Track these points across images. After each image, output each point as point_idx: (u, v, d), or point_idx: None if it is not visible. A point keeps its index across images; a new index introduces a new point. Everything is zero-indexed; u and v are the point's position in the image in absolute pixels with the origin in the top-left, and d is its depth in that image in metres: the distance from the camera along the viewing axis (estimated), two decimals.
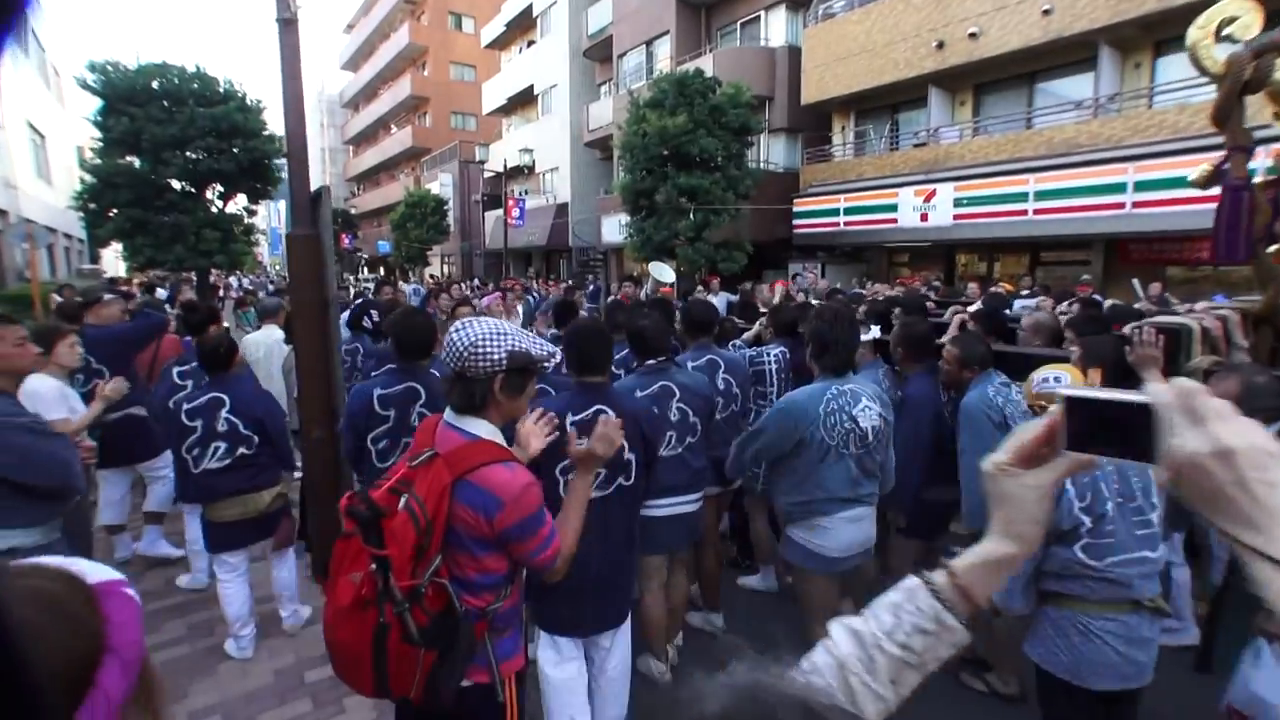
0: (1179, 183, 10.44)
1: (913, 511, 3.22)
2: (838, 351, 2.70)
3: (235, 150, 16.96)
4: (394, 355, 3.01)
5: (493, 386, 1.59)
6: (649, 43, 20.35)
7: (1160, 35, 11.64)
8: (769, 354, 4.02)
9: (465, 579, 1.56)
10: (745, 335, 4.83)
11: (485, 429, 1.63)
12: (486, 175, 27.08)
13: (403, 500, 1.51)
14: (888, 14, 14.70)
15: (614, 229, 21.55)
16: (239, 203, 18.67)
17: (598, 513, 2.15)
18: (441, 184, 31.00)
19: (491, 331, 1.59)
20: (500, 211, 26.98)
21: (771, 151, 18.04)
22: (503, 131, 29.96)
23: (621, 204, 18.01)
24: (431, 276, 16.15)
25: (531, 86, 26.52)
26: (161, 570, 4.35)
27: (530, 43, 27.50)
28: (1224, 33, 3.12)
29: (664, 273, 14.01)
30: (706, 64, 16.75)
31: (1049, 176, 12.03)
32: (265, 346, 5.29)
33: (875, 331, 3.87)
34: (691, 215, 15.27)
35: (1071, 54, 12.61)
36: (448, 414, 1.65)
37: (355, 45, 43.73)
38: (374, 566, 1.47)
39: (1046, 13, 12.06)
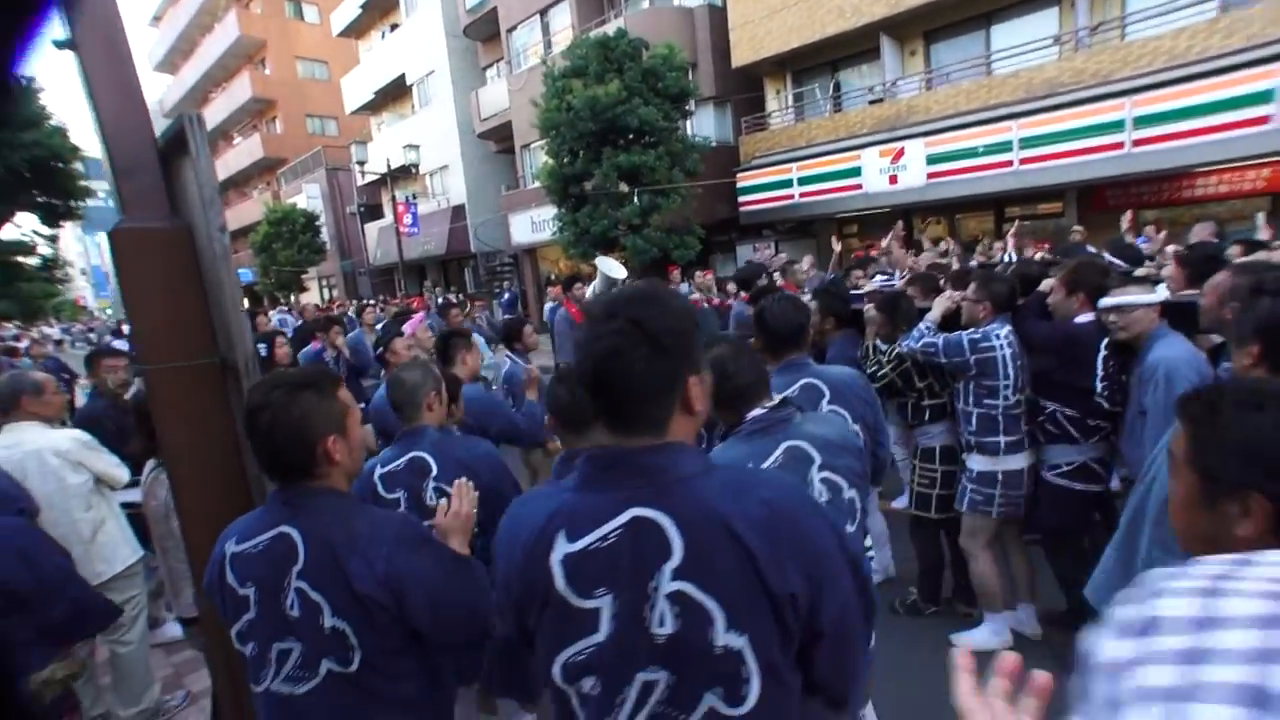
0: (1184, 113, 9.65)
1: None
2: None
3: None
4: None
5: None
6: (543, 12, 17.97)
7: None
8: None
9: None
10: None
11: None
12: (363, 182, 23.56)
13: None
14: None
15: (525, 227, 19.09)
16: (21, 226, 13.82)
17: None
18: (308, 197, 26.94)
19: None
20: (384, 222, 23.67)
21: (700, 124, 16.25)
22: (373, 131, 26.39)
23: (542, 196, 15.66)
24: (318, 306, 13.09)
25: (403, 76, 23.29)
26: None
27: (394, 26, 24.19)
28: None
29: (614, 268, 11.64)
30: (616, 30, 14.64)
31: (1034, 121, 11.01)
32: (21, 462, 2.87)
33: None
34: (635, 198, 13.19)
35: None
36: None
37: (169, 42, 37.41)
38: None
39: None
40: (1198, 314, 2.42)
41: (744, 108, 16.33)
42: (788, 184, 14.44)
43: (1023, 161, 11.21)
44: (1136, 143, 10.08)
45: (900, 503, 4.65)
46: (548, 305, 10.82)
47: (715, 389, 1.47)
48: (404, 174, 21.03)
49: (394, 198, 17.65)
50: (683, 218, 13.96)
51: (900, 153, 12.62)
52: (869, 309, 3.59)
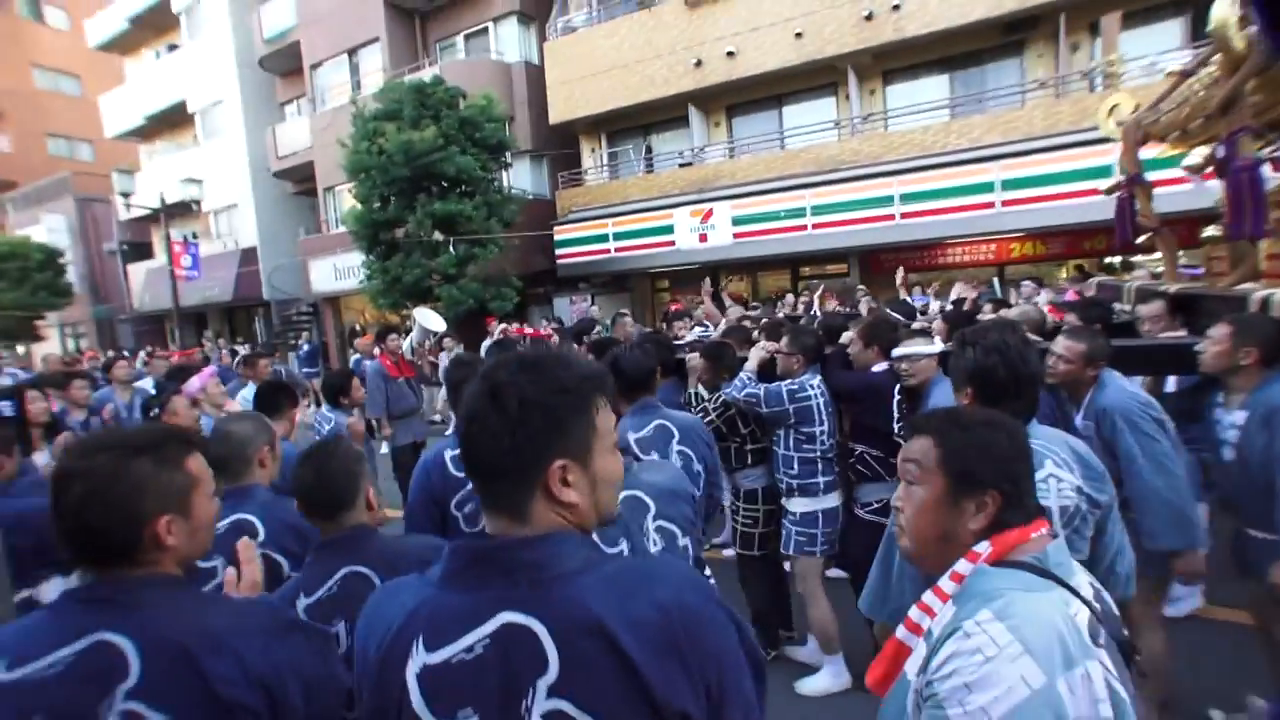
0: (938, 194, 11.35)
1: None
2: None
3: None
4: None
5: None
6: (351, 52, 17.08)
7: (887, 66, 12.77)
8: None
9: None
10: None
11: None
12: (127, 217, 20.42)
13: None
14: (639, 30, 14.06)
15: (327, 274, 17.67)
16: None
17: None
18: (49, 229, 22.78)
19: None
20: (154, 263, 20.66)
21: (517, 177, 16.22)
22: (141, 160, 23.13)
23: (348, 241, 14.58)
24: (63, 358, 10.65)
25: (183, 103, 20.80)
26: None
27: (171, 46, 21.64)
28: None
29: (431, 319, 10.81)
30: (432, 77, 14.31)
31: (822, 192, 12.33)
32: None
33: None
34: (452, 248, 12.70)
35: (816, 79, 13.25)
36: None
37: None
38: None
39: (798, 35, 12.42)
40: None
41: (560, 163, 16.60)
42: (604, 239, 14.79)
43: (815, 226, 12.47)
44: (904, 215, 11.66)
45: (730, 552, 4.70)
46: (354, 357, 9.89)
47: None
48: (182, 210, 18.51)
49: (169, 236, 15.39)
50: (500, 269, 13.69)
51: (709, 213, 13.48)
52: (692, 358, 3.73)
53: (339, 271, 17.16)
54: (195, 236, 18.66)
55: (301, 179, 19.21)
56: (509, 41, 16.12)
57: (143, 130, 22.92)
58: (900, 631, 1.16)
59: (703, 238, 13.70)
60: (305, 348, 15.11)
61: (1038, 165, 10.45)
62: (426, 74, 13.64)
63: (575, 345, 5.85)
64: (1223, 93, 2.95)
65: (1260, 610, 2.65)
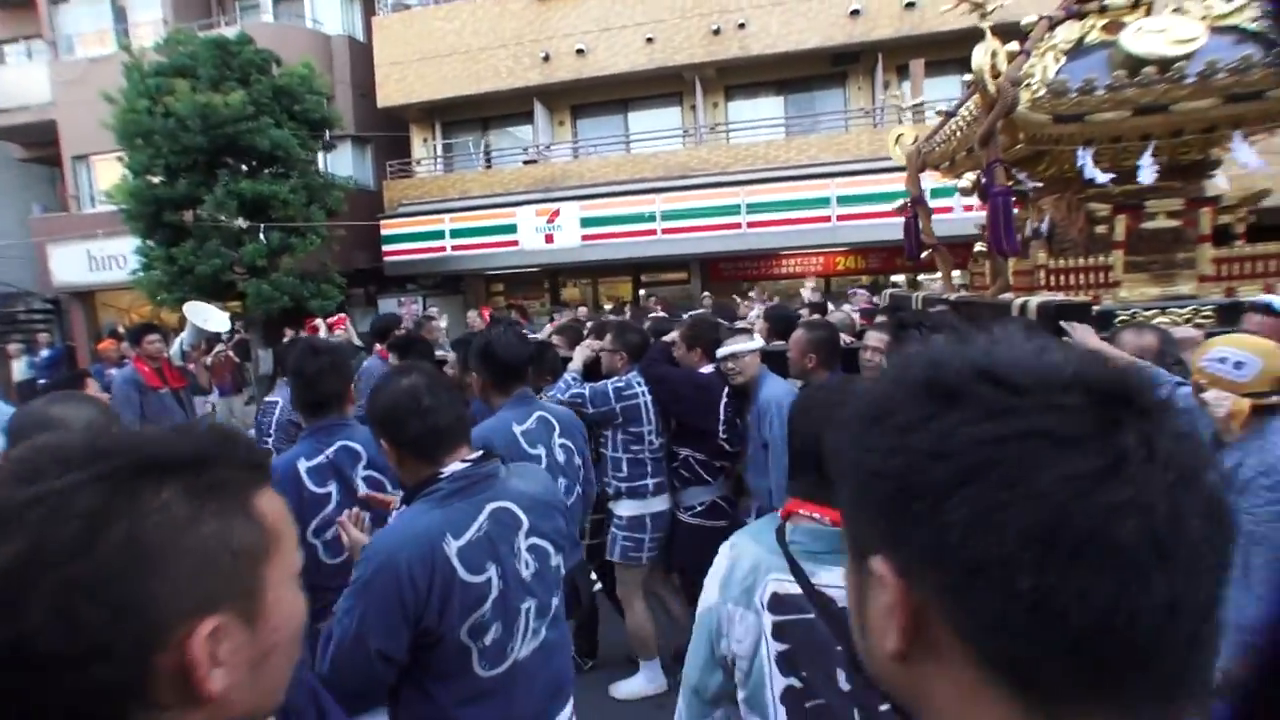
0: (781, 205, 12.02)
1: None
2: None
3: None
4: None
5: None
6: None
7: (729, 81, 13.34)
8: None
9: None
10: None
11: None
12: None
13: None
14: (483, 16, 13.21)
15: (77, 263, 14.45)
16: None
17: None
18: None
19: None
20: None
21: (337, 163, 14.41)
22: None
23: (112, 223, 11.97)
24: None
25: None
26: None
27: None
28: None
29: (211, 317, 8.20)
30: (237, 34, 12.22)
31: (672, 197, 12.48)
32: None
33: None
34: (262, 235, 10.84)
35: (663, 86, 13.43)
36: None
37: None
38: None
39: (650, 40, 12.49)
40: (787, 362, 3.22)
41: (387, 151, 15.10)
42: (439, 235, 13.67)
43: (664, 231, 12.57)
44: (749, 224, 12.17)
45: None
46: (92, 366, 7.82)
47: (402, 430, 1.45)
48: None
49: None
50: (319, 263, 12.03)
51: (556, 213, 13.02)
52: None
53: (95, 261, 14.00)
54: None
55: (34, 142, 15.41)
56: (328, 10, 14.35)
57: None
58: None
59: (549, 238, 13.19)
60: (46, 352, 12.02)
61: (866, 185, 11.48)
62: (229, 33, 11.57)
63: (377, 345, 5.30)
64: (981, 128, 3.40)
65: None
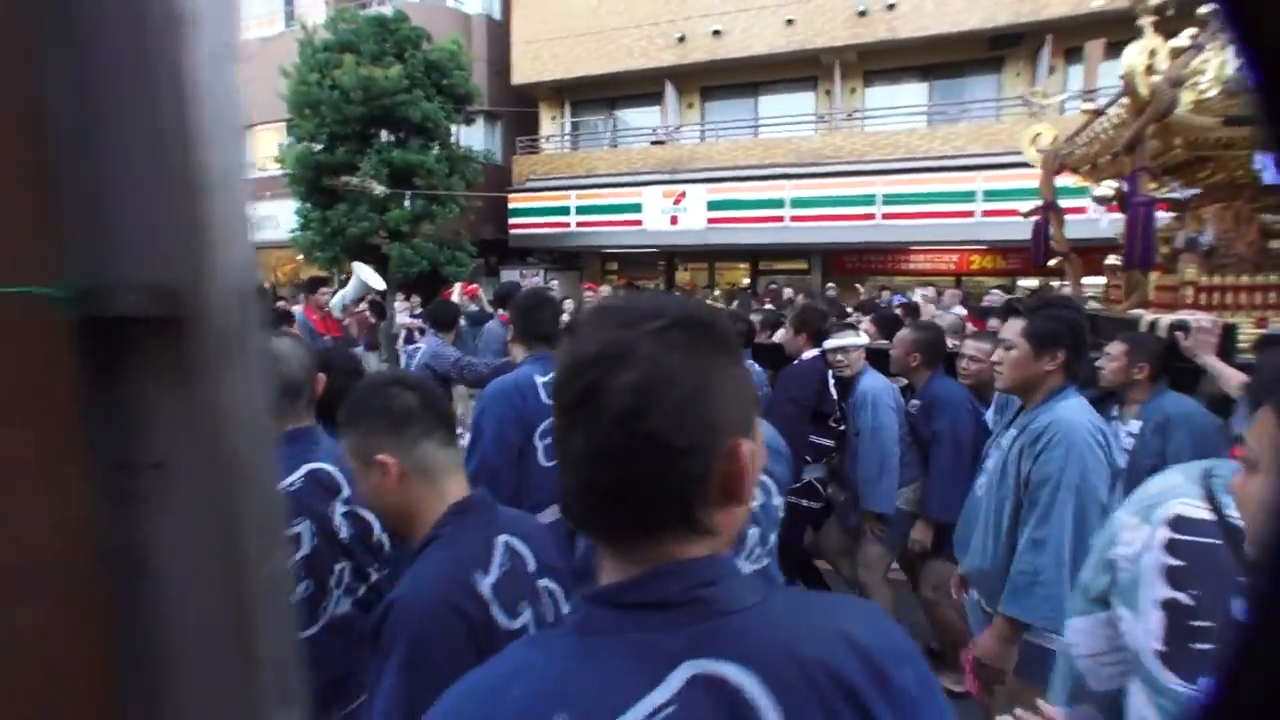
0: (920, 198, 11.50)
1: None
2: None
3: None
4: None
5: None
6: None
7: (870, 65, 12.86)
8: None
9: None
10: None
11: None
12: None
13: None
14: None
15: None
16: None
17: None
18: None
19: None
20: None
21: (470, 137, 14.95)
22: None
23: (271, 187, 12.83)
24: None
25: None
26: None
27: None
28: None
29: (373, 277, 9.01)
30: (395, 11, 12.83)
31: (801, 184, 12.19)
32: None
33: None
34: (408, 202, 11.39)
35: (798, 70, 13.11)
36: None
37: None
38: None
39: (790, 22, 12.20)
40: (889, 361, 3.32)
41: (516, 127, 15.52)
42: (565, 211, 13.93)
43: (792, 219, 12.30)
44: (885, 216, 11.72)
45: None
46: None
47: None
48: None
49: None
50: (455, 231, 12.52)
51: (682, 195, 13.00)
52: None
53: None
54: None
55: None
56: None
57: None
58: None
59: (673, 220, 13.19)
60: None
61: (1018, 179, 10.78)
62: (387, 8, 12.17)
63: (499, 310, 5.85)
64: (1128, 133, 3.18)
65: None
